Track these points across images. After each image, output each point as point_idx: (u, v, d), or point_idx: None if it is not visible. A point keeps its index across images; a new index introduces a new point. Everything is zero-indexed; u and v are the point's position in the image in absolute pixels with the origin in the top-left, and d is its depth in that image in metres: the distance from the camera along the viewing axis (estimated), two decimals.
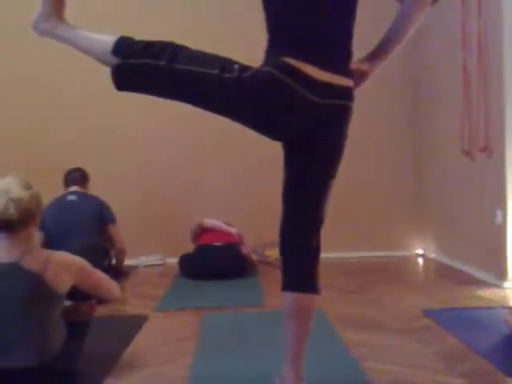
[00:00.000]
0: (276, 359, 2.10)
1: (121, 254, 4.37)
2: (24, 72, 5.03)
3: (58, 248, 3.86)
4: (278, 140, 1.88)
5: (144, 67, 1.74)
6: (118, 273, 4.20)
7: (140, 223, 4.97)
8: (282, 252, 1.92)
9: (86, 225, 4.05)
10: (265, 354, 2.45)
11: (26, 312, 2.06)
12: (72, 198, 4.20)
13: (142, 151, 5.11)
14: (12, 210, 2.04)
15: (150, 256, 5.00)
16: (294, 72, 1.69)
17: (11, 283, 2.06)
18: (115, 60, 1.76)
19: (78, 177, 4.37)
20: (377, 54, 1.88)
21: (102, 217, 4.20)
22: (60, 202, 4.14)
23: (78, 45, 1.83)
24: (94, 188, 4.45)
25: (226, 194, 5.08)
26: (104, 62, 1.79)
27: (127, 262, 4.71)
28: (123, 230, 4.39)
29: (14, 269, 2.06)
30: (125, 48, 1.76)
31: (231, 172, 5.13)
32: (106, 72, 1.79)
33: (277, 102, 1.71)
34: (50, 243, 3.93)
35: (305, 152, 1.83)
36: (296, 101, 1.71)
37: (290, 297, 1.87)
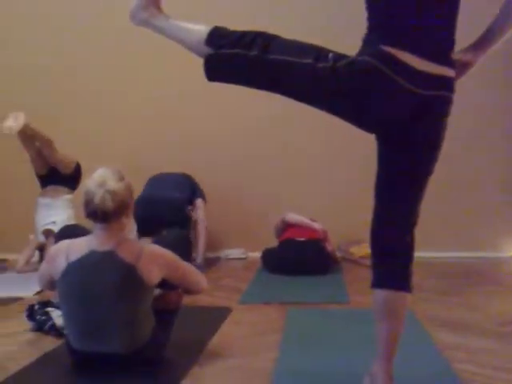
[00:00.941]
0: (363, 357, 2.08)
1: (204, 230, 4.58)
2: (125, 71, 5.26)
3: (149, 214, 4.15)
4: (373, 132, 1.85)
5: (235, 57, 1.74)
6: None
7: (224, 217, 5.06)
8: (374, 249, 1.89)
9: (176, 192, 4.56)
10: (352, 352, 2.42)
11: (119, 300, 2.15)
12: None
13: (232, 149, 5.17)
14: (108, 202, 2.13)
15: (233, 250, 5.08)
16: (393, 61, 1.65)
17: (106, 271, 2.16)
18: (208, 50, 1.77)
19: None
20: (481, 44, 1.80)
21: (193, 190, 4.68)
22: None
23: (173, 35, 1.86)
24: None
25: (311, 190, 5.06)
26: (197, 53, 1.82)
27: (210, 254, 4.84)
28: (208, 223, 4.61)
29: (110, 257, 2.16)
30: (217, 38, 1.77)
31: (317, 168, 5.10)
32: None
33: (373, 92, 1.68)
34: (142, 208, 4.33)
35: (401, 146, 1.78)
36: (394, 91, 1.66)
37: (381, 294, 1.84)
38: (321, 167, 5.11)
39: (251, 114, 5.02)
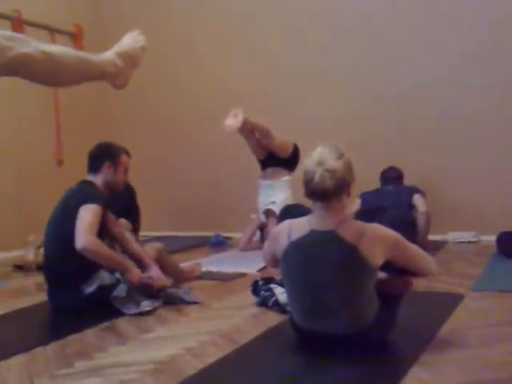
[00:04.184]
0: None
1: (425, 215, 4.42)
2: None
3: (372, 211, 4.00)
4: None
5: None
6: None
7: (450, 197, 4.81)
8: None
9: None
10: None
11: (340, 280, 2.17)
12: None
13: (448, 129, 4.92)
14: (328, 181, 2.15)
15: (462, 232, 4.80)
16: None
17: (327, 250, 2.19)
18: None
19: (394, 176, 4.69)
20: None
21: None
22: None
23: None
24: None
25: None
26: None
27: (436, 236, 4.65)
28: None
29: (331, 237, 2.18)
30: None
31: None
32: None
33: None
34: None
35: None
36: None
37: None
38: None
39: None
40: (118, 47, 1.68)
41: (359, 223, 2.26)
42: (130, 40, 1.72)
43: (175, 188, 5.89)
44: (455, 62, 4.82)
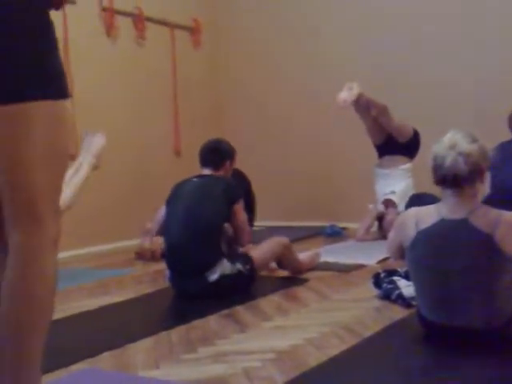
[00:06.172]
0: None
1: None
2: None
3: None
4: None
5: None
6: None
7: None
8: None
9: None
10: None
11: (474, 271, 2.07)
12: None
13: None
14: (461, 165, 2.06)
15: None
16: None
17: (459, 240, 2.09)
18: None
19: None
20: None
21: None
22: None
23: None
24: None
25: None
26: None
27: None
28: None
29: (463, 226, 2.08)
30: None
31: None
32: None
33: None
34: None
35: None
36: None
37: None
38: None
39: None
40: None
41: (495, 210, 2.14)
42: None
43: (289, 177, 5.89)
44: None
